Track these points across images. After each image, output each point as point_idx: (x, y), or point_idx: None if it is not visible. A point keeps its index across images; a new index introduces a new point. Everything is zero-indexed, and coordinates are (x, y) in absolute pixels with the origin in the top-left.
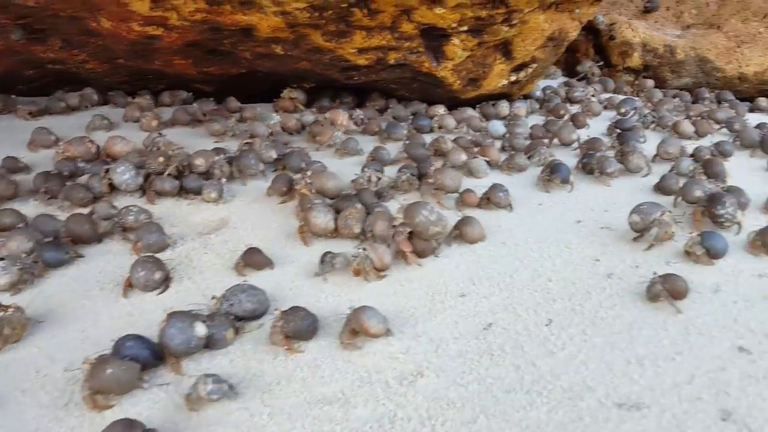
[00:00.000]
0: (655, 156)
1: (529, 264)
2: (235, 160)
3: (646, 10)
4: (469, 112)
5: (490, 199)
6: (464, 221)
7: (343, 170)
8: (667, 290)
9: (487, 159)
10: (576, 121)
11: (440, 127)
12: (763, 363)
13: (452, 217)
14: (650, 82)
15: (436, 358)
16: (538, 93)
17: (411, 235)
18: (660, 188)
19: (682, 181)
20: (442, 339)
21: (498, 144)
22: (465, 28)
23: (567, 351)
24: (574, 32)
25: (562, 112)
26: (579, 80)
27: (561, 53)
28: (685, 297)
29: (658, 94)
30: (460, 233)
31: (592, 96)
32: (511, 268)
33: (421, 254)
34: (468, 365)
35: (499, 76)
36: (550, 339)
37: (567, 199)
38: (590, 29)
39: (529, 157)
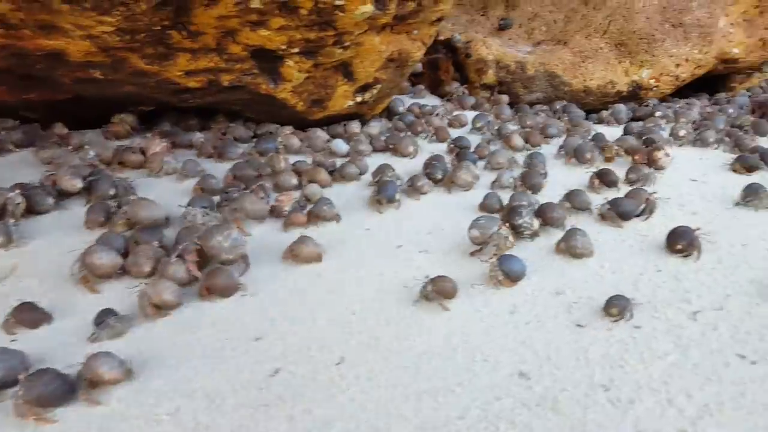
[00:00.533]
0: (487, 165)
1: (338, 296)
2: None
3: (501, 28)
4: (318, 132)
5: (317, 215)
6: (298, 240)
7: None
8: (435, 291)
9: (317, 182)
10: (439, 136)
11: (285, 147)
12: (538, 389)
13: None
14: (504, 98)
15: (207, 416)
16: (402, 109)
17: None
18: (483, 207)
19: (506, 194)
20: (219, 393)
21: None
22: (296, 50)
23: (349, 393)
24: (417, 53)
25: (419, 128)
26: (448, 100)
27: (407, 73)
28: (453, 296)
29: (507, 110)
30: (294, 253)
31: (438, 114)
32: (317, 302)
33: (224, 292)
34: (240, 422)
35: (343, 97)
36: (335, 381)
37: (395, 220)
38: (449, 47)
39: (377, 181)
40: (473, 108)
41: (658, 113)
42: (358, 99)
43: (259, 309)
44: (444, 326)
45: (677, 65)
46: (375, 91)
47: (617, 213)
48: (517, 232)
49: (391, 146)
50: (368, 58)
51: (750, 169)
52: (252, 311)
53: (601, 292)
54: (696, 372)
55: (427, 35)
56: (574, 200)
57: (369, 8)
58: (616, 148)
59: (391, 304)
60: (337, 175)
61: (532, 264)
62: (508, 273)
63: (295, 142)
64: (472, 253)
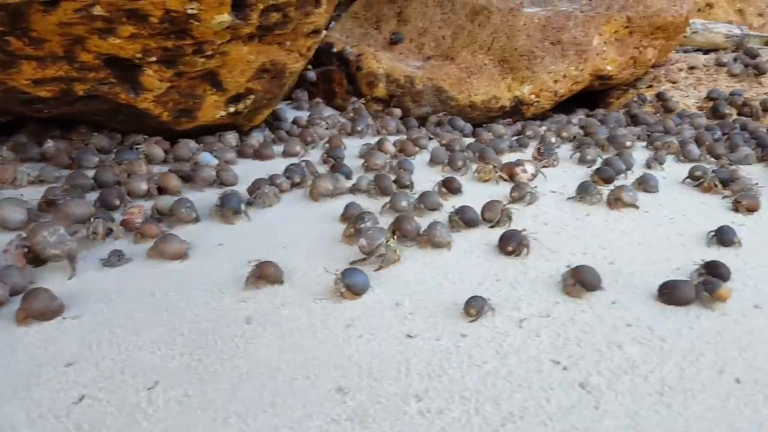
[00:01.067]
0: (365, 164)
1: (169, 315)
2: None
3: (392, 42)
4: (184, 143)
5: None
6: (162, 239)
7: None
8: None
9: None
10: (332, 144)
11: (147, 157)
12: (352, 403)
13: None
14: (397, 111)
15: None
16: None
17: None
18: (345, 217)
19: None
20: (14, 424)
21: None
22: (154, 58)
23: (155, 419)
24: (295, 64)
25: (309, 139)
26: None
27: (287, 84)
28: (279, 280)
29: (392, 122)
30: (157, 250)
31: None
32: (144, 323)
33: (43, 315)
34: None
35: (214, 108)
36: (142, 406)
37: (250, 232)
38: (342, 59)
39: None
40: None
41: (528, 132)
42: (231, 109)
43: (79, 331)
44: (275, 344)
45: (556, 81)
46: (249, 102)
47: (463, 220)
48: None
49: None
50: (237, 68)
51: (607, 180)
52: (71, 334)
53: (438, 302)
54: (509, 379)
55: (303, 47)
56: (425, 201)
57: (226, 18)
58: (492, 166)
59: (223, 323)
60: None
61: (379, 275)
62: (351, 286)
63: (159, 152)
64: (353, 262)
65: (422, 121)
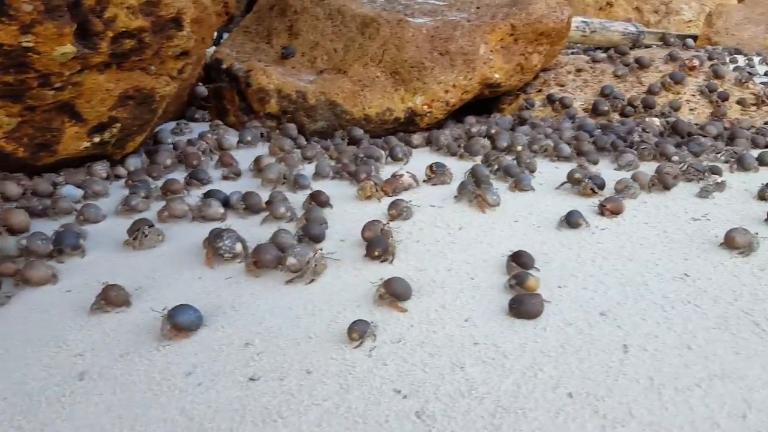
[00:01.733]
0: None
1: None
2: None
3: (284, 56)
4: (42, 178)
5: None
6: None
7: None
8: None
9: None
10: (223, 162)
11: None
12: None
13: None
14: (292, 126)
15: None
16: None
17: None
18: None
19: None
20: None
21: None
22: None
23: None
24: (165, 87)
25: (195, 162)
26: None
27: (159, 109)
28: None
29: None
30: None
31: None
32: None
33: None
34: None
35: (76, 139)
36: None
37: (103, 271)
38: (232, 76)
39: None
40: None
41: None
42: (96, 140)
43: None
44: (105, 402)
45: (446, 91)
46: (115, 131)
47: (309, 237)
48: (218, 255)
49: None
50: (95, 97)
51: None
52: None
53: (291, 338)
54: (346, 416)
55: (174, 69)
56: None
57: (70, 49)
58: (372, 183)
59: (56, 380)
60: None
61: (235, 311)
62: (179, 325)
63: (14, 188)
64: (289, 281)
65: (321, 135)
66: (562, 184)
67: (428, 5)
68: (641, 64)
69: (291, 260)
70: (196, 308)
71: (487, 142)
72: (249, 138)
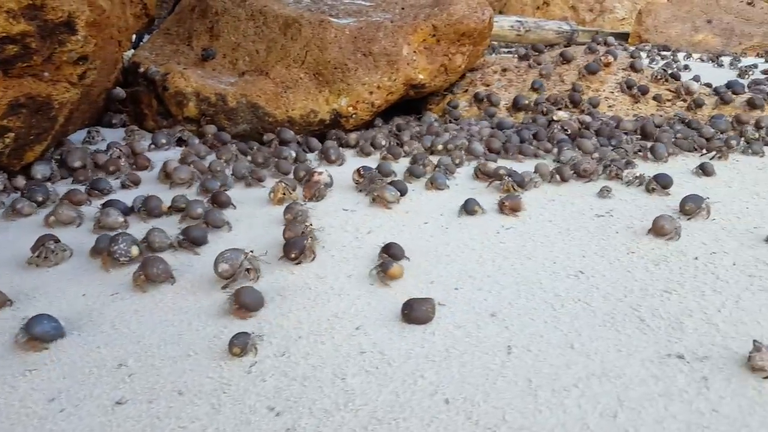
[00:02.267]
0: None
1: None
2: None
3: (204, 58)
4: None
5: None
6: None
7: None
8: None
9: None
10: (138, 165)
11: None
12: None
13: None
14: (211, 128)
15: None
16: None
17: None
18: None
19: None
20: None
21: None
22: None
23: None
24: (64, 94)
25: (112, 168)
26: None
27: (61, 116)
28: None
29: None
30: None
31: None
32: None
33: None
34: None
35: None
36: None
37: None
38: (149, 79)
39: None
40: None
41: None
42: None
43: None
44: None
45: (371, 92)
46: (9, 140)
47: (190, 240)
48: (113, 258)
49: None
50: None
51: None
52: None
53: (169, 356)
54: None
55: (73, 75)
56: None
57: None
58: (284, 185)
59: None
60: None
61: (114, 329)
62: (35, 336)
63: None
64: (224, 287)
65: (242, 138)
66: (491, 182)
67: (354, 6)
68: (565, 58)
69: (223, 266)
70: (54, 318)
71: (417, 143)
72: (163, 141)
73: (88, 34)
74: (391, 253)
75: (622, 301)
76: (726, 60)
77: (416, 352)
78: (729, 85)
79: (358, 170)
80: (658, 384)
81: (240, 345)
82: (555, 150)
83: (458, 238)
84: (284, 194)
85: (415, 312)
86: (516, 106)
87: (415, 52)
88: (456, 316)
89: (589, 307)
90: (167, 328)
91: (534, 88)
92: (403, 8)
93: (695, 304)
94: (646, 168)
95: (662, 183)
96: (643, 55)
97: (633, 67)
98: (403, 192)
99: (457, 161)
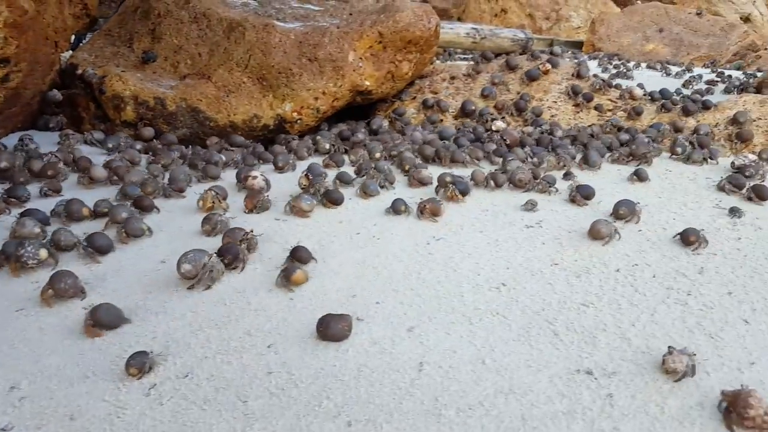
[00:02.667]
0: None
1: None
2: None
3: (144, 61)
4: None
5: None
6: None
7: None
8: None
9: None
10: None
11: None
12: None
13: None
14: (149, 131)
15: None
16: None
17: None
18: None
19: None
20: None
21: None
22: None
23: None
24: None
25: (50, 172)
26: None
27: None
28: None
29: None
30: None
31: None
32: None
33: None
34: None
35: None
36: None
37: None
38: (87, 82)
39: None
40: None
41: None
42: None
43: None
44: None
45: (316, 98)
46: None
47: (93, 248)
48: (21, 263)
49: None
50: None
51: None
52: None
53: (67, 378)
54: None
55: None
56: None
57: None
58: (214, 193)
59: None
60: None
61: (11, 347)
62: None
63: None
64: (190, 287)
65: (183, 142)
66: (437, 189)
67: (302, 10)
68: (509, 65)
69: (186, 267)
70: None
71: (363, 151)
72: (111, 145)
73: (8, 35)
74: (297, 256)
75: (539, 314)
76: (674, 69)
77: (326, 371)
78: (663, 93)
79: (306, 174)
80: (563, 401)
81: (137, 365)
82: (498, 159)
83: (388, 249)
84: (213, 203)
85: (330, 329)
86: (464, 112)
87: (361, 58)
88: (373, 332)
89: (506, 320)
90: (68, 348)
91: (483, 95)
92: (351, 14)
93: (611, 317)
94: (582, 175)
95: (584, 194)
96: (595, 63)
97: (578, 75)
98: (338, 201)
99: (393, 169)
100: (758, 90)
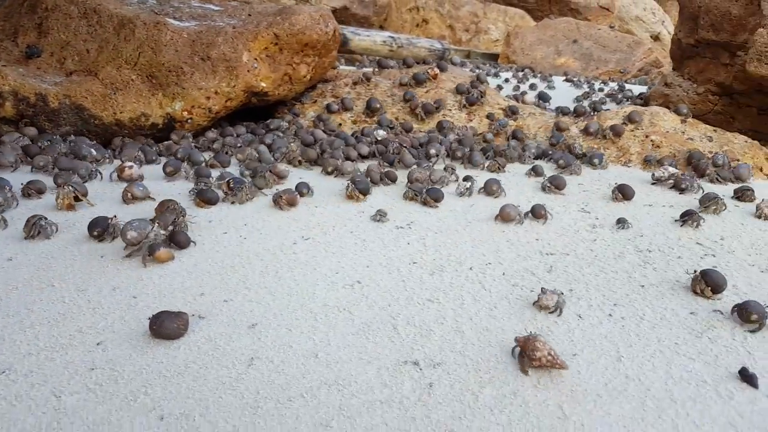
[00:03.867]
0: None
1: None
2: None
3: (28, 56)
4: None
5: None
6: None
7: None
8: None
9: None
10: None
11: None
12: None
13: None
14: (32, 130)
15: None
16: None
17: None
18: None
19: None
20: None
21: None
22: None
23: None
24: None
25: None
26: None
27: None
28: None
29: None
30: None
31: None
32: None
33: None
34: None
35: None
36: None
37: None
38: None
39: None
40: None
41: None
42: None
43: None
44: None
45: (208, 98)
46: None
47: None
48: None
49: None
50: None
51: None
52: None
53: None
54: None
55: None
56: None
57: None
58: (69, 188)
59: None
60: None
61: None
62: None
63: None
64: (128, 255)
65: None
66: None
67: (201, 9)
68: (407, 64)
69: (131, 234)
70: None
71: (250, 150)
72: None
73: None
74: (176, 240)
75: (385, 309)
76: (582, 81)
77: (152, 368)
78: (542, 96)
79: (227, 182)
80: (383, 391)
81: None
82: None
83: (251, 249)
84: (69, 199)
85: (164, 327)
86: (370, 108)
87: (256, 59)
88: (212, 329)
89: (351, 316)
90: None
91: (405, 99)
92: (249, 15)
93: (452, 312)
94: (465, 173)
95: (433, 196)
96: (510, 74)
97: (477, 82)
98: (212, 201)
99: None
100: (646, 102)
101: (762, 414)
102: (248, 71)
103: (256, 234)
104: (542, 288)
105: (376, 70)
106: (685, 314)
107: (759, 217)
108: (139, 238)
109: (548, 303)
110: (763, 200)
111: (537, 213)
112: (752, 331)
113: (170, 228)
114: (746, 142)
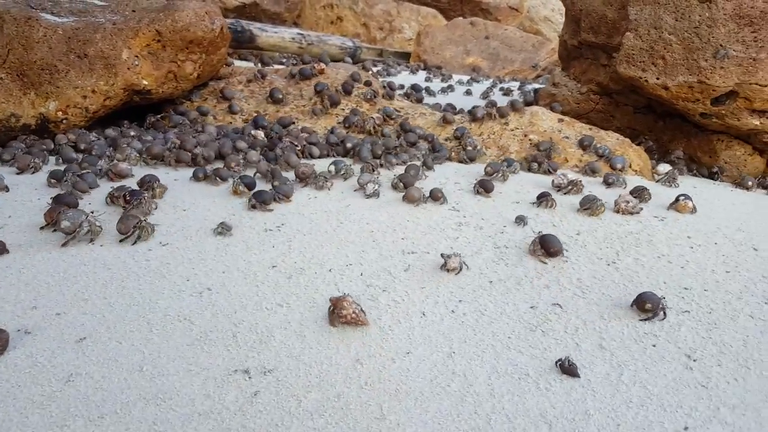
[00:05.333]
0: None
1: None
2: None
3: None
4: None
5: None
6: None
7: None
8: None
9: None
10: None
11: None
12: None
13: None
14: None
15: None
16: None
17: None
18: None
19: None
20: None
21: None
22: None
23: None
24: None
25: None
26: None
27: None
28: None
29: None
30: None
31: None
32: None
33: None
34: None
35: None
36: None
37: None
38: None
39: None
40: None
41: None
42: None
43: None
44: None
45: (85, 97)
46: None
47: None
48: None
49: None
50: None
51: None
52: None
53: None
54: None
55: None
56: None
57: None
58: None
59: None
60: None
61: None
62: None
63: None
64: (64, 244)
65: None
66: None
67: (80, 5)
68: (304, 62)
69: (65, 223)
70: None
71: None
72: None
73: None
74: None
75: (228, 317)
76: (487, 81)
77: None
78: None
79: (123, 195)
80: (205, 403)
81: None
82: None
83: (99, 257)
84: None
85: None
86: (273, 99)
87: (137, 56)
88: (36, 345)
89: (191, 325)
90: None
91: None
92: (133, 11)
93: (298, 315)
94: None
95: (283, 193)
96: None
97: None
98: (71, 204)
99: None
100: (536, 101)
101: (574, 403)
102: (128, 69)
103: (111, 240)
104: (441, 254)
105: (270, 67)
106: (525, 308)
107: (617, 211)
108: (72, 228)
109: (454, 265)
110: (620, 195)
111: (434, 196)
112: (644, 320)
113: None
114: (618, 139)
